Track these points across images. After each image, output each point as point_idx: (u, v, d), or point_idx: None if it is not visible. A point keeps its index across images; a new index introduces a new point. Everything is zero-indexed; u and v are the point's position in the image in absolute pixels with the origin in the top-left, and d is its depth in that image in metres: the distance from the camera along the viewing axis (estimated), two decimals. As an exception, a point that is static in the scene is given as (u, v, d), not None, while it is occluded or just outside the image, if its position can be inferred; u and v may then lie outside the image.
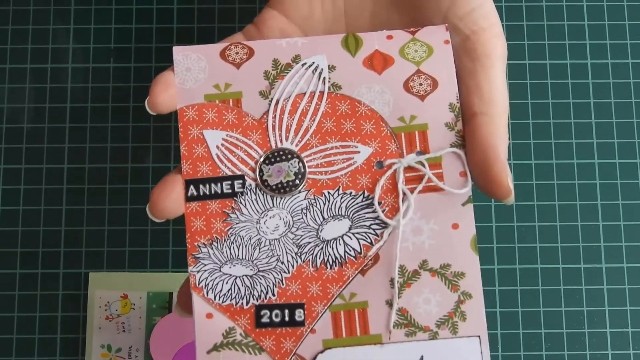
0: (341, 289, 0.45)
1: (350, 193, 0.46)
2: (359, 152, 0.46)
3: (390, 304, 0.45)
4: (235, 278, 0.45)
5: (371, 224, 0.46)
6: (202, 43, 0.47)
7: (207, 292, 0.45)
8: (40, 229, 0.59)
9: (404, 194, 0.45)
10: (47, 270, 0.59)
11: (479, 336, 0.44)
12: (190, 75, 0.46)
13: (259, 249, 0.46)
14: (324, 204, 0.46)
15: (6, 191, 0.60)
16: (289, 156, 0.46)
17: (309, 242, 0.46)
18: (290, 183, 0.46)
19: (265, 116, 0.47)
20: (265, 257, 0.46)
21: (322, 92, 0.47)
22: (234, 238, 0.46)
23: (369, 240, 0.45)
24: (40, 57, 0.61)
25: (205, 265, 0.45)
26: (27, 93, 0.61)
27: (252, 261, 0.46)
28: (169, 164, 0.60)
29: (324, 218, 0.46)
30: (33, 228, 0.59)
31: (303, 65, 0.47)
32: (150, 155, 0.60)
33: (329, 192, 0.46)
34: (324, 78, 0.47)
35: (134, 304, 0.57)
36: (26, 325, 0.58)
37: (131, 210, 0.59)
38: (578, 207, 0.59)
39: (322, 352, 0.44)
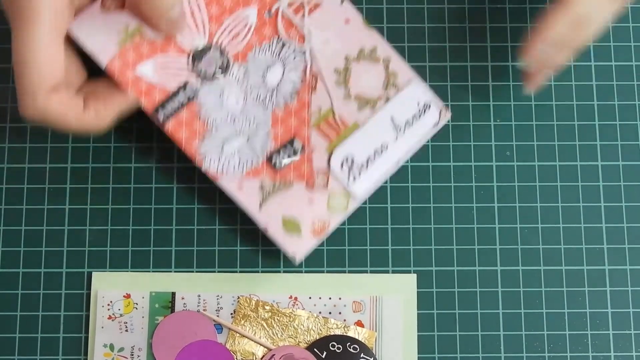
0: (309, 109, 0.57)
1: (266, 45, 0.58)
2: (248, 15, 0.57)
3: (347, 97, 0.58)
4: (238, 150, 0.56)
5: (295, 57, 0.57)
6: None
7: (227, 173, 0.56)
8: (43, 228, 0.59)
9: (299, 23, 0.57)
10: (50, 269, 0.59)
11: (413, 77, 0.58)
12: (97, 37, 0.54)
13: (238, 119, 0.57)
14: (254, 63, 0.57)
15: (9, 190, 0.60)
16: (206, 49, 0.56)
17: (266, 94, 0.57)
18: (223, 63, 0.57)
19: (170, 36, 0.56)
20: (246, 123, 0.57)
21: None
22: (215, 124, 0.56)
23: (301, 66, 0.57)
24: (45, 56, 0.61)
25: (211, 156, 0.56)
26: (31, 92, 0.61)
27: (240, 131, 0.57)
28: (173, 164, 0.60)
29: (262, 74, 0.57)
30: (36, 227, 0.59)
31: None
32: (153, 155, 0.60)
33: (251, 54, 0.57)
34: None
35: (137, 304, 0.57)
36: (29, 324, 0.58)
37: (134, 210, 0.59)
38: (581, 209, 0.59)
39: (329, 155, 0.57)
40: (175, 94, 0.56)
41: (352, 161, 0.57)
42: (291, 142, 0.57)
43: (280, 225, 0.56)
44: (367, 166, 0.57)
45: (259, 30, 0.57)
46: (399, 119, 0.58)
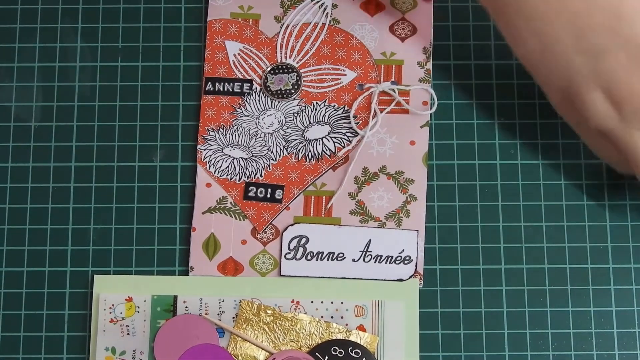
0: (315, 179, 0.58)
1: (334, 106, 0.59)
2: (345, 74, 0.59)
3: (351, 195, 0.58)
4: (233, 159, 0.58)
5: (346, 132, 0.58)
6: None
7: (209, 167, 0.58)
8: (47, 227, 0.59)
9: (375, 111, 0.58)
10: (54, 268, 0.58)
11: (417, 231, 0.57)
12: None
13: (255, 139, 0.58)
14: (312, 111, 0.59)
15: (14, 189, 0.60)
16: (290, 70, 0.59)
17: (296, 139, 0.58)
18: (288, 91, 0.59)
19: (276, 36, 0.60)
20: (259, 146, 0.58)
21: (324, 24, 0.60)
22: (237, 127, 0.58)
23: (342, 144, 0.58)
24: (48, 55, 0.62)
25: (211, 145, 0.58)
26: (35, 91, 0.61)
27: (249, 147, 0.58)
28: (177, 163, 0.60)
29: (310, 122, 0.59)
30: (40, 226, 0.59)
31: (312, 0, 0.60)
32: (157, 154, 0.60)
33: (317, 103, 0.59)
34: (327, 13, 0.60)
35: (139, 307, 0.57)
36: (33, 323, 0.58)
37: (138, 209, 0.59)
38: (585, 207, 0.59)
39: (292, 225, 0.58)
40: (234, 80, 0.59)
41: (305, 243, 0.57)
42: (275, 187, 0.58)
43: (205, 237, 0.57)
44: (311, 257, 0.57)
45: (341, 91, 0.59)
46: (374, 248, 0.57)
